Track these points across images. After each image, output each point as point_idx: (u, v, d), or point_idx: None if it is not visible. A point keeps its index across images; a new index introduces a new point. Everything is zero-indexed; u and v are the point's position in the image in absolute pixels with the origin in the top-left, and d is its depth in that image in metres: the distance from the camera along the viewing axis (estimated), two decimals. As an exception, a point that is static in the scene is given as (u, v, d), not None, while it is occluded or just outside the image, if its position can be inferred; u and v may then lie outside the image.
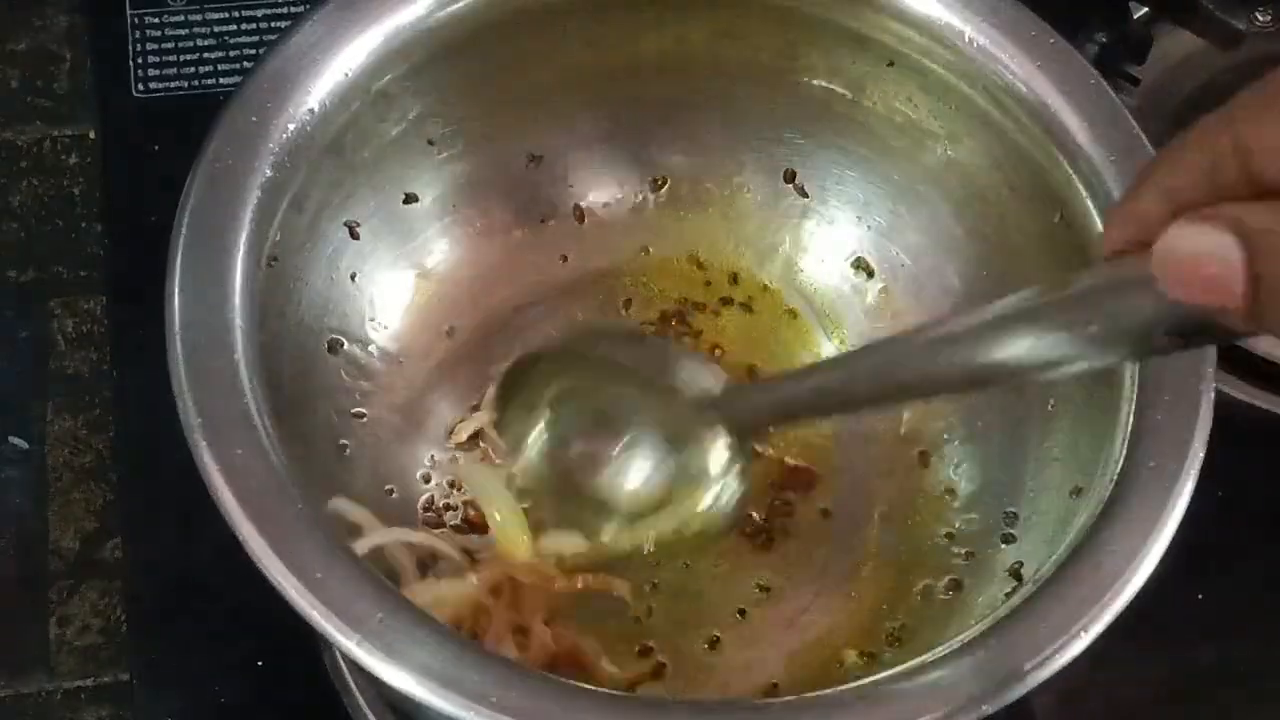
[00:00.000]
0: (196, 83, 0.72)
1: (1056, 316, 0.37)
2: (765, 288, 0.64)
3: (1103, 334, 0.35)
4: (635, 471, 0.53)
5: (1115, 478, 0.48)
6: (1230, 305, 0.30)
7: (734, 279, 0.64)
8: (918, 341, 0.44)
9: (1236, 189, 0.31)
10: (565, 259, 0.64)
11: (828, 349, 0.63)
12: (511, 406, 0.57)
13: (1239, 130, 0.31)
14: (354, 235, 0.58)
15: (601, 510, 0.53)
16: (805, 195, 0.63)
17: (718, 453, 0.51)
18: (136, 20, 0.73)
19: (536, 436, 0.55)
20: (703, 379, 0.52)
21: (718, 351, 0.63)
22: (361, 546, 0.50)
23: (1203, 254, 0.30)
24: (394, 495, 0.58)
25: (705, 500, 0.52)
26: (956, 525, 0.58)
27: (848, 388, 0.46)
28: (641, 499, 0.52)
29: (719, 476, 0.52)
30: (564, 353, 0.58)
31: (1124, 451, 0.48)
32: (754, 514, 0.58)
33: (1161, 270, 0.32)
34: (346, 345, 0.58)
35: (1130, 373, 0.50)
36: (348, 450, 0.57)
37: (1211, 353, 0.50)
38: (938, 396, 0.54)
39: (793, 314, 0.64)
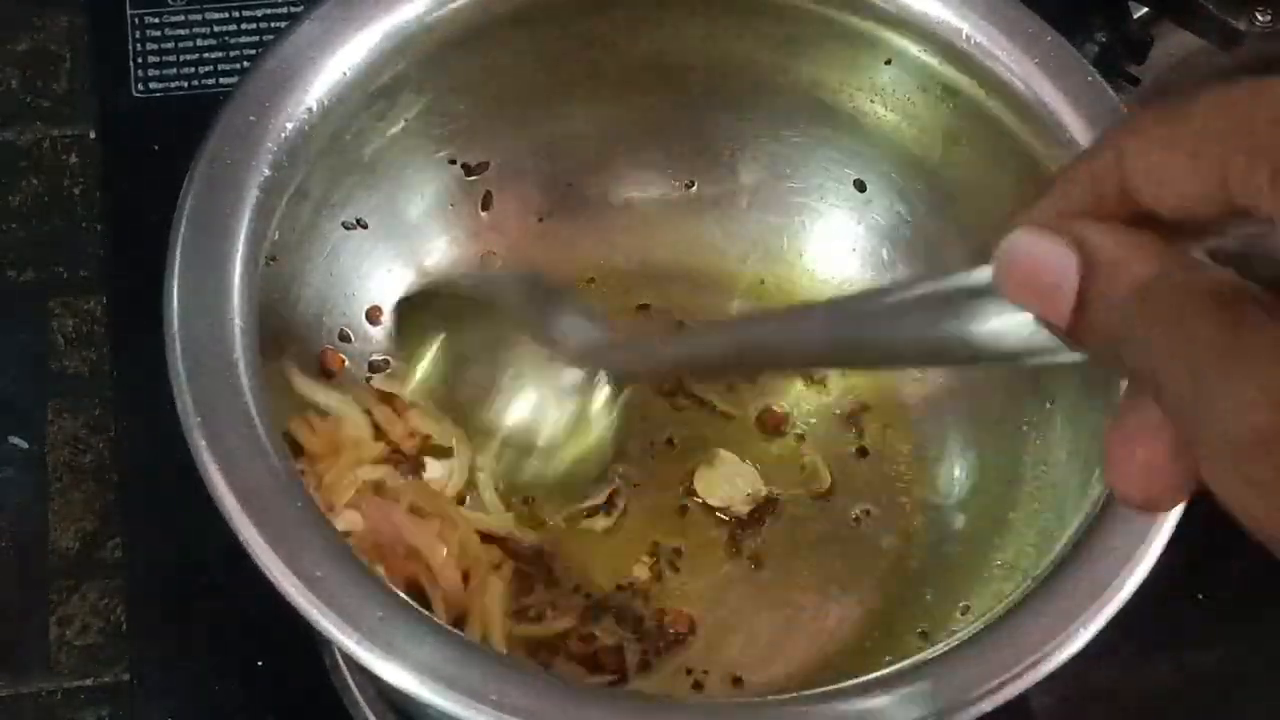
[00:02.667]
0: (196, 83, 0.72)
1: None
2: (762, 283, 0.64)
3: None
4: (519, 405, 0.52)
5: (1114, 475, 0.48)
6: (1056, 321, 0.29)
7: (731, 277, 0.64)
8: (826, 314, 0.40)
9: (1110, 205, 0.30)
10: (564, 257, 0.64)
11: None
12: (409, 331, 0.55)
13: (1124, 146, 0.29)
14: (353, 234, 0.58)
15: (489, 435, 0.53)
16: (803, 194, 0.64)
17: (596, 399, 0.50)
18: (136, 20, 0.73)
19: (430, 364, 0.54)
20: (586, 331, 0.50)
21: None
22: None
23: (1041, 262, 0.29)
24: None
25: (581, 442, 0.51)
26: (953, 525, 0.58)
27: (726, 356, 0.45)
28: (525, 432, 0.52)
29: (596, 420, 0.51)
30: (461, 293, 0.56)
31: (1122, 449, 0.48)
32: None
33: (1000, 272, 0.30)
34: (346, 344, 0.58)
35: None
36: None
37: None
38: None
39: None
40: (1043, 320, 0.30)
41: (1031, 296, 0.30)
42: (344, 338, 0.58)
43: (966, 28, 0.56)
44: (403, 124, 0.57)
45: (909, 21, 0.56)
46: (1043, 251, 0.29)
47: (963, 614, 0.52)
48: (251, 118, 0.51)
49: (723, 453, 0.60)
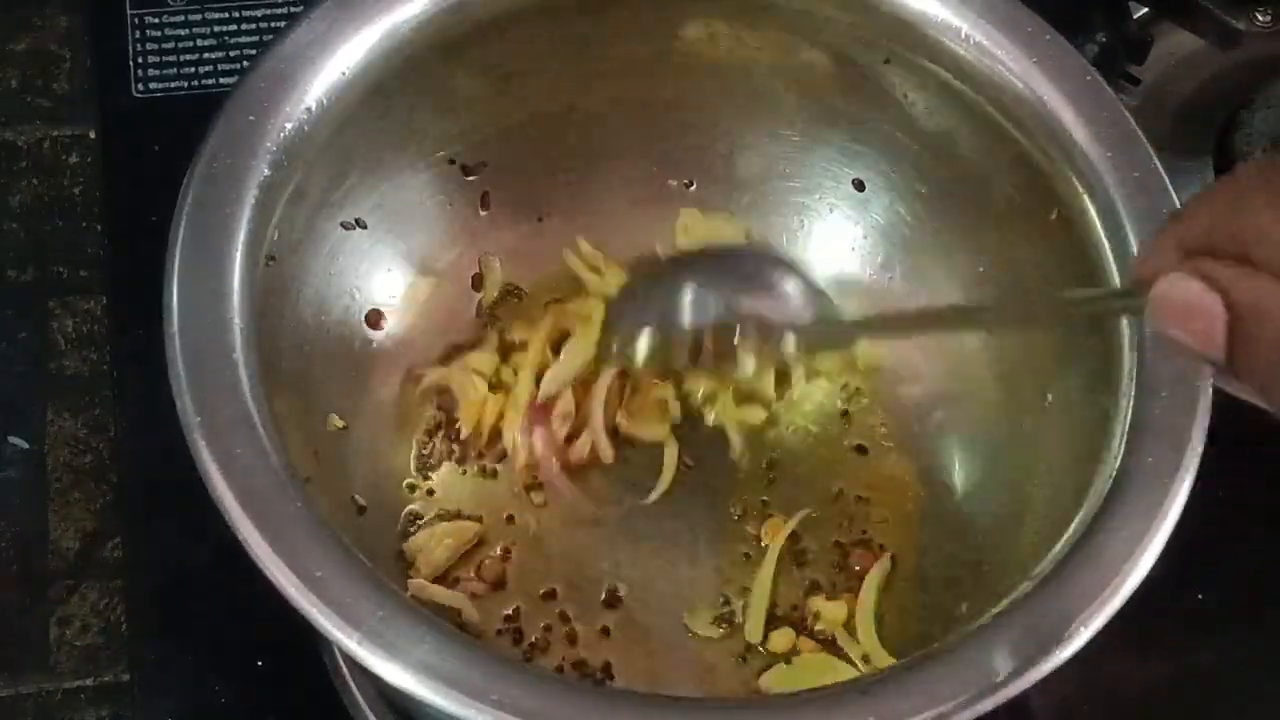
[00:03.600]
0: (196, 83, 0.72)
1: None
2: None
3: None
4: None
5: (1114, 473, 0.48)
6: (1212, 355, 0.35)
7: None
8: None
9: (1226, 250, 0.35)
10: (563, 256, 0.64)
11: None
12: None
13: (1239, 207, 0.34)
14: (352, 234, 0.58)
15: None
16: (802, 194, 0.64)
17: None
18: (136, 20, 0.73)
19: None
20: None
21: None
22: None
23: (1192, 306, 0.35)
24: (386, 494, 0.58)
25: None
26: (952, 523, 0.58)
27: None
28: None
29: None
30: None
31: (1122, 447, 0.48)
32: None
33: (1156, 312, 0.36)
34: (345, 343, 0.58)
35: (1128, 369, 0.50)
36: (345, 449, 0.57)
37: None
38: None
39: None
40: (1203, 356, 0.35)
41: (1187, 336, 0.35)
42: (344, 337, 0.58)
43: (965, 27, 0.56)
44: (401, 123, 0.57)
45: (908, 20, 0.56)
46: (1191, 297, 0.35)
47: (963, 613, 0.52)
48: (251, 118, 0.51)
49: None
